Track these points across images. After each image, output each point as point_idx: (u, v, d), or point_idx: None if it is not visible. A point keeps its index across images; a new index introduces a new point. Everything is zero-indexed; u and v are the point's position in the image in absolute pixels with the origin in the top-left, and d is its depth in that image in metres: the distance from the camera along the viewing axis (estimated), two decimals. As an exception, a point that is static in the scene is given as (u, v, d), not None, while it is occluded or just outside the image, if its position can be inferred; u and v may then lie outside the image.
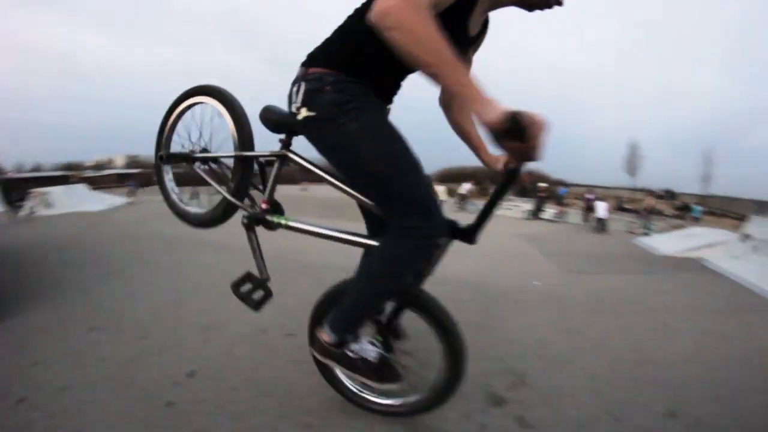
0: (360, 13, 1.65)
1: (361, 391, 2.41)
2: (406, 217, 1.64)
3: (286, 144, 2.08)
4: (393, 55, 1.33)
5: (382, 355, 2.00)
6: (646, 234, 18.36)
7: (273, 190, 2.18)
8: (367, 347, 2.01)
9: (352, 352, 1.98)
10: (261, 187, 2.26)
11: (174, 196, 2.60)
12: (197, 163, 2.43)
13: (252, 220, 2.17)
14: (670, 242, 14.21)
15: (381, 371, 1.98)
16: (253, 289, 2.25)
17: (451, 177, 61.72)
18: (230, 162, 2.34)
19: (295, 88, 1.79)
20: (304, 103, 1.74)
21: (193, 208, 2.53)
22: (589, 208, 21.53)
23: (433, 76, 1.31)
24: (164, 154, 2.53)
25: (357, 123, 1.63)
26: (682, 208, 38.90)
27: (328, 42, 1.79)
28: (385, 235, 1.76)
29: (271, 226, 2.18)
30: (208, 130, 2.44)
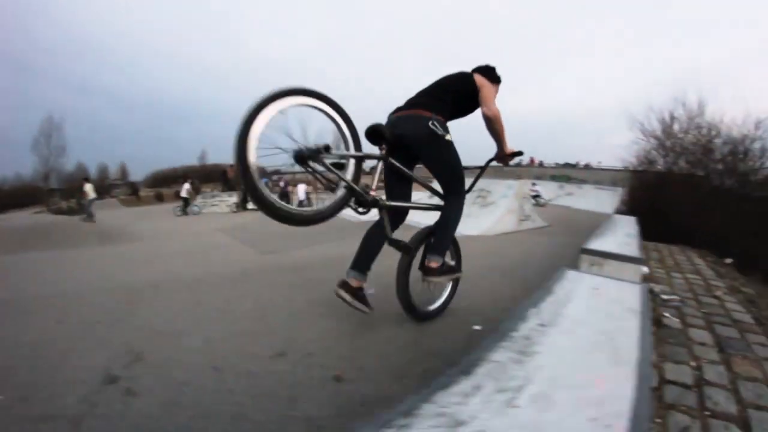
0: (455, 92, 3.77)
1: (426, 306, 4.21)
2: (462, 190, 3.93)
3: (387, 152, 3.53)
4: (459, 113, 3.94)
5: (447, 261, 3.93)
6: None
7: (376, 182, 3.57)
8: (447, 259, 3.98)
9: (446, 264, 3.79)
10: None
11: (275, 199, 2.83)
12: (311, 162, 2.93)
13: (371, 203, 3.41)
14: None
15: (454, 268, 4.15)
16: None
17: (163, 179, 66.01)
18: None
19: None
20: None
21: (300, 208, 3.08)
22: (284, 194, 23.00)
23: (499, 135, 3.91)
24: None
25: (453, 145, 3.67)
26: None
27: (436, 100, 3.68)
28: (447, 201, 3.94)
29: (380, 206, 3.58)
30: (310, 131, 2.94)
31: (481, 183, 16.64)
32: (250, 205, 24.65)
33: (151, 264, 8.74)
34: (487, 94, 3.80)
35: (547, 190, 30.73)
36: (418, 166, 3.95)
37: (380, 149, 3.52)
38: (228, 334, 3.96)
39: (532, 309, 3.02)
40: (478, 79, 3.88)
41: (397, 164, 3.62)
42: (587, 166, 40.23)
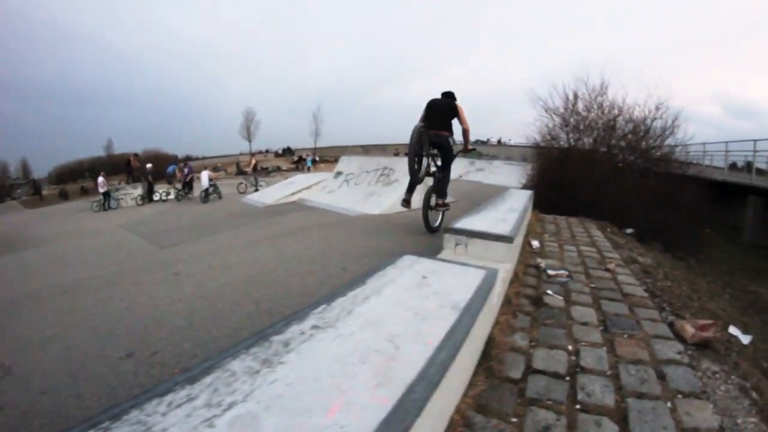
0: (451, 117, 7.32)
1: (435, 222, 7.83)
2: (450, 165, 7.67)
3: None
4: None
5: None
6: (257, 190, 20.48)
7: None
8: (445, 200, 7.77)
9: (444, 202, 7.70)
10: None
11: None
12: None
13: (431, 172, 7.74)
14: (275, 193, 17.24)
15: (447, 204, 7.85)
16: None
17: (69, 174, 62.88)
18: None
19: (448, 139, 7.41)
20: (453, 141, 7.62)
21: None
22: (187, 184, 21.89)
23: (468, 138, 7.84)
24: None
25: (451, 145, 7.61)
26: (298, 161, 45.78)
27: (444, 122, 7.27)
28: (446, 170, 7.67)
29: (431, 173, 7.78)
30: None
31: (386, 161, 16.04)
32: (156, 197, 23.37)
33: (40, 271, 8.57)
34: (464, 116, 7.31)
35: (458, 165, 29.53)
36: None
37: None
38: (89, 338, 4.11)
39: (323, 306, 2.43)
40: (458, 105, 7.31)
41: (436, 153, 7.62)
42: (499, 143, 40.63)
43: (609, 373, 2.96)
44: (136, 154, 31.61)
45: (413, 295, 2.69)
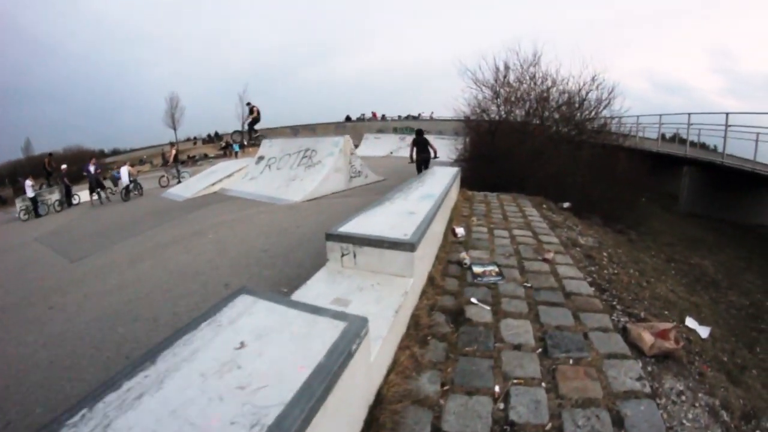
0: (426, 144, 12.55)
1: None
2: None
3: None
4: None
5: None
6: (180, 181, 19.41)
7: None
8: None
9: None
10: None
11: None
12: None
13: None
14: (196, 184, 16.35)
15: None
16: None
17: None
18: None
19: (426, 154, 12.48)
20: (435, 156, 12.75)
21: None
22: (98, 184, 19.60)
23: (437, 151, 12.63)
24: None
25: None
26: (225, 147, 43.43)
27: (425, 148, 12.51)
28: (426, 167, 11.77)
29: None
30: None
31: (308, 142, 14.86)
32: (75, 200, 20.64)
33: None
34: (433, 143, 12.67)
35: (388, 142, 30.10)
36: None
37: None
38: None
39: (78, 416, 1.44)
40: (427, 138, 12.79)
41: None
42: (431, 117, 39.57)
43: (549, 427, 2.13)
44: (50, 155, 27.74)
45: (207, 389, 1.57)
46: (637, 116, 18.73)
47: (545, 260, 4.50)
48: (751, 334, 5.93)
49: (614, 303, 3.68)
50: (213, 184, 15.73)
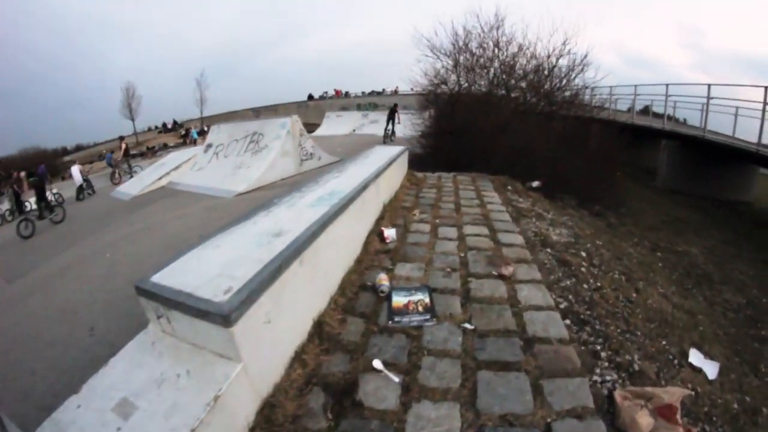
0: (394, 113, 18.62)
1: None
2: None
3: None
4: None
5: None
6: (132, 176, 18.34)
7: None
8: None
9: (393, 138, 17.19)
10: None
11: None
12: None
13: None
14: (144, 179, 14.86)
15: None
16: None
17: None
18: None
19: (393, 120, 18.25)
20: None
21: None
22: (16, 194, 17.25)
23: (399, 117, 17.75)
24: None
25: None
26: (185, 135, 41.56)
27: (393, 116, 18.55)
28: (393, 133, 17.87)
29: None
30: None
31: (254, 125, 13.47)
32: (28, 207, 18.73)
33: None
34: (399, 114, 18.39)
35: (351, 120, 28.50)
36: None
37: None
38: None
39: None
40: (396, 109, 18.62)
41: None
42: (395, 92, 38.18)
43: None
44: None
45: None
46: (611, 87, 17.44)
47: (502, 276, 3.21)
48: (753, 346, 4.79)
49: (597, 346, 2.46)
50: (160, 178, 14.34)
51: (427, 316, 2.68)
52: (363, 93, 46.42)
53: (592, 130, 11.62)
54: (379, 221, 4.59)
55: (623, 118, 16.63)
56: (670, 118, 15.11)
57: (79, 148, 52.46)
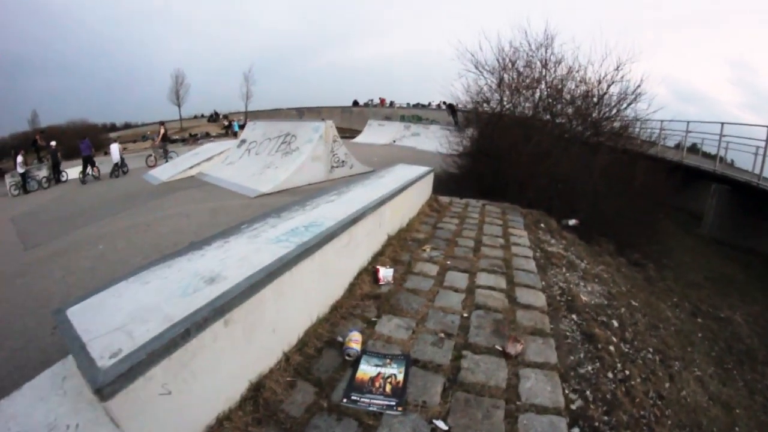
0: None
1: None
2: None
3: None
4: None
5: None
6: (167, 161, 18.91)
7: None
8: None
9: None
10: None
11: None
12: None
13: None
14: (175, 167, 15.18)
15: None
16: None
17: None
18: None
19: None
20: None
21: None
22: (88, 161, 19.26)
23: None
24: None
25: None
26: (227, 126, 42.88)
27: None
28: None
29: None
30: None
31: (288, 126, 13.22)
32: (63, 177, 20.64)
33: None
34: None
35: (392, 130, 28.16)
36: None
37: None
38: None
39: None
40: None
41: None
42: (439, 107, 37.83)
43: None
44: (42, 131, 28.59)
45: None
46: (661, 121, 16.27)
47: (506, 355, 2.61)
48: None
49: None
50: (191, 167, 14.55)
51: (393, 402, 2.12)
52: (408, 104, 46.62)
53: (637, 166, 10.66)
54: (379, 257, 4.04)
55: (670, 155, 15.23)
56: (721, 159, 13.99)
57: (127, 126, 54.82)
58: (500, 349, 2.68)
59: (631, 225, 8.93)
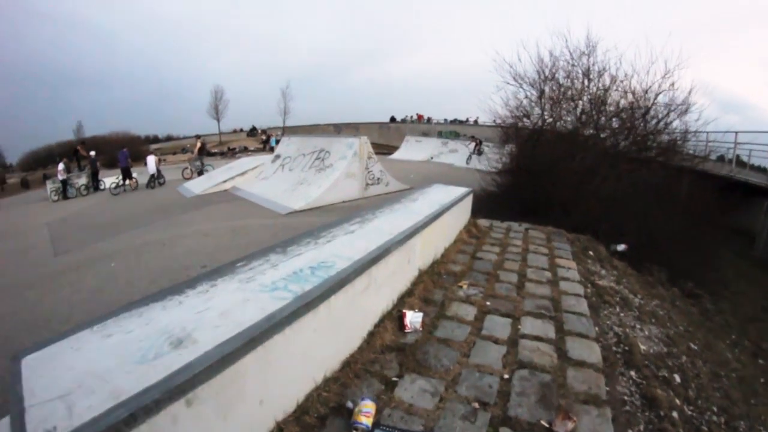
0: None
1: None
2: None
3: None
4: None
5: None
6: (201, 174, 19.78)
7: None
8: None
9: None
10: None
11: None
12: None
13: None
14: (209, 180, 15.68)
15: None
16: None
17: (39, 160, 56.09)
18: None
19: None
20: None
21: None
22: (125, 172, 20.28)
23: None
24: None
25: None
26: (265, 141, 43.93)
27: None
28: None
29: None
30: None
31: (322, 142, 13.11)
32: (103, 185, 21.79)
33: None
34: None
35: (430, 146, 28.18)
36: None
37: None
38: None
39: None
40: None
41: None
42: (476, 123, 37.26)
43: None
44: (83, 142, 30.25)
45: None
46: (707, 132, 14.95)
47: (551, 432, 2.23)
48: None
49: None
50: (224, 182, 14.89)
51: None
52: (445, 120, 46.80)
53: (683, 183, 10.10)
54: (407, 297, 3.65)
55: (716, 170, 14.16)
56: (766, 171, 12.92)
57: (169, 138, 57.83)
58: (547, 426, 2.26)
59: (684, 249, 8.29)
